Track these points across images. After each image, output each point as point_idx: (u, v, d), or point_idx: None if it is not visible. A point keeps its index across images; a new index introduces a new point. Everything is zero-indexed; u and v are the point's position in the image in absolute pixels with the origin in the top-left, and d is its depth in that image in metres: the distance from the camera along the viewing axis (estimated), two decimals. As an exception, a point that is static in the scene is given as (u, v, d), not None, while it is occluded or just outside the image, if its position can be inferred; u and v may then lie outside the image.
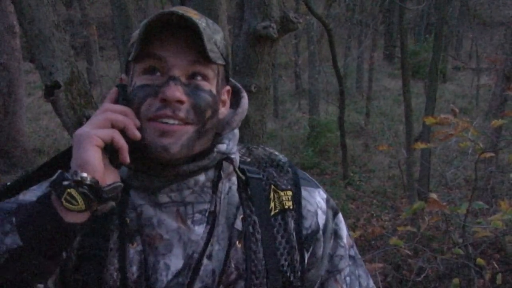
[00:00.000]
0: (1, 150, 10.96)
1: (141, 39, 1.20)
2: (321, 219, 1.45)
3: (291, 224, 1.39)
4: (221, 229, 1.33)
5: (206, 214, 1.33)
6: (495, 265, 5.15)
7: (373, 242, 7.83)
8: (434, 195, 3.65)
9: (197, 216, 1.32)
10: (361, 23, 17.35)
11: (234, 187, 1.38)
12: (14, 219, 1.16)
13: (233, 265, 1.31)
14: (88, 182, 1.13)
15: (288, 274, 1.37)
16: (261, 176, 1.42)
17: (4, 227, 1.16)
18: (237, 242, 1.32)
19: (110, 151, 1.20)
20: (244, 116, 1.41)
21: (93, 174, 1.14)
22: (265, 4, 3.17)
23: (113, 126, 1.20)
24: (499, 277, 4.06)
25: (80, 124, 2.98)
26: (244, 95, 1.42)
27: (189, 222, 1.31)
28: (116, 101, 1.29)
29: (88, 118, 2.97)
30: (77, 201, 1.13)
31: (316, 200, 1.47)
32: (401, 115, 11.56)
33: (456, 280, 4.14)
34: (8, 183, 1.33)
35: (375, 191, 10.19)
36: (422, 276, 4.84)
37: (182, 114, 1.23)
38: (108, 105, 1.25)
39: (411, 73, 12.86)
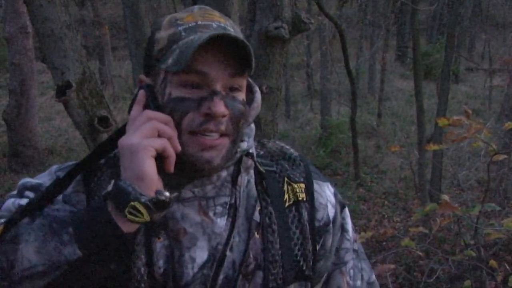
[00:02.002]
0: (13, 150, 11.03)
1: (188, 59, 1.19)
2: (331, 212, 1.48)
3: (305, 215, 1.43)
4: (241, 221, 1.36)
5: (227, 207, 1.35)
6: (507, 267, 5.12)
7: (384, 243, 7.82)
8: (446, 197, 3.64)
9: (219, 209, 1.34)
10: (373, 24, 17.32)
11: (252, 180, 1.41)
12: (71, 229, 1.18)
13: (252, 256, 1.33)
14: (155, 199, 1.16)
15: (301, 263, 1.39)
16: (274, 169, 1.45)
17: (62, 238, 1.18)
18: (256, 233, 1.35)
19: (158, 160, 1.21)
20: (259, 110, 1.43)
21: (151, 185, 1.17)
22: (276, 4, 3.17)
23: (159, 135, 1.21)
24: (511, 279, 4.03)
25: (91, 124, 2.99)
26: (257, 89, 1.43)
27: (211, 214, 1.33)
28: (146, 105, 1.28)
29: (99, 118, 2.98)
30: (142, 214, 1.15)
31: (326, 193, 1.50)
32: (413, 116, 11.52)
33: (468, 282, 4.12)
34: (46, 187, 1.35)
35: (386, 192, 10.17)
36: (433, 277, 4.81)
37: (223, 128, 1.26)
38: (152, 113, 1.24)
39: (423, 74, 12.82)
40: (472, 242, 4.36)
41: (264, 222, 1.36)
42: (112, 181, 1.20)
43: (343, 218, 1.53)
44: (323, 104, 13.47)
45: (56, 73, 2.98)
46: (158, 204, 1.17)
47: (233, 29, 1.32)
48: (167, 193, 1.18)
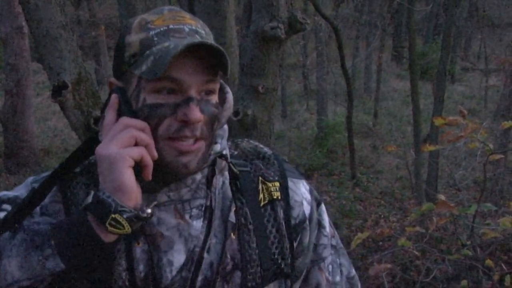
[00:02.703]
0: (9, 150, 11.01)
1: (164, 68, 1.19)
2: (307, 209, 1.50)
3: (280, 214, 1.44)
4: (217, 223, 1.37)
5: (203, 209, 1.36)
6: (504, 267, 5.12)
7: (380, 243, 7.82)
8: (442, 196, 3.64)
9: (195, 211, 1.36)
10: (369, 24, 17.32)
11: (227, 182, 1.42)
12: (53, 242, 1.20)
13: (229, 256, 1.34)
14: (133, 211, 1.18)
15: (279, 261, 1.41)
16: (249, 169, 1.46)
17: (44, 251, 1.20)
18: (232, 234, 1.36)
19: (135, 168, 1.21)
20: (231, 111, 1.43)
21: (131, 196, 1.19)
22: (272, 5, 3.17)
23: (136, 143, 1.22)
24: (507, 278, 4.03)
25: (87, 124, 2.98)
26: (228, 90, 1.43)
27: (187, 217, 1.34)
28: (120, 110, 1.28)
29: (95, 118, 2.97)
30: (122, 226, 1.18)
31: (301, 191, 1.51)
32: (409, 116, 11.53)
33: (464, 282, 4.12)
34: (22, 199, 1.35)
35: (383, 192, 10.17)
36: (430, 277, 4.81)
37: (198, 133, 1.27)
38: (129, 120, 1.24)
39: (420, 74, 12.83)
40: (468, 241, 4.36)
41: (240, 222, 1.37)
42: (92, 192, 1.21)
43: (320, 215, 1.55)
44: (319, 104, 13.47)
45: (51, 73, 2.97)
46: (139, 218, 1.19)
47: (204, 31, 1.32)
48: (148, 210, 1.21)
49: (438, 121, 3.69)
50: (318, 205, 1.55)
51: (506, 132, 8.25)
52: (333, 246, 1.57)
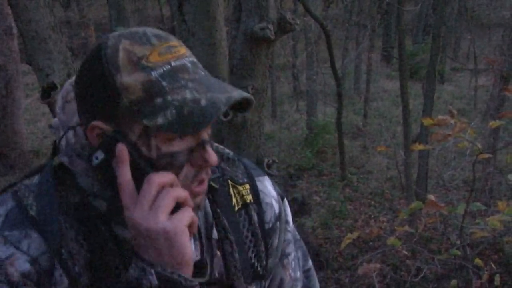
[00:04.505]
0: (-2, 152, 10.96)
1: (201, 128, 1.10)
2: (276, 208, 1.49)
3: (255, 217, 1.42)
4: (204, 242, 1.33)
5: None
6: (493, 266, 5.15)
7: (371, 243, 7.84)
8: (431, 196, 3.65)
9: None
10: (359, 24, 17.35)
11: (207, 201, 1.37)
12: None
13: (216, 274, 1.33)
14: (195, 281, 1.13)
15: (256, 265, 1.40)
16: (218, 174, 1.41)
17: None
18: (218, 251, 1.34)
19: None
20: None
21: (191, 266, 1.13)
22: (262, 5, 3.18)
23: (177, 203, 1.13)
24: (497, 278, 4.05)
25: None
26: None
27: None
28: (133, 164, 1.13)
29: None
30: None
31: (268, 189, 1.49)
32: (399, 116, 11.55)
33: (454, 282, 4.14)
34: None
35: (373, 192, 10.18)
36: (419, 277, 4.84)
37: (210, 172, 1.24)
38: (159, 178, 1.12)
39: (409, 74, 12.84)
40: (458, 241, 4.38)
41: (221, 236, 1.34)
42: (136, 265, 1.11)
43: (284, 210, 1.52)
44: (309, 105, 13.47)
45: (41, 74, 2.97)
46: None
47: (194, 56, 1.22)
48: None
49: (426, 121, 3.71)
50: (282, 200, 1.52)
51: (495, 131, 8.28)
52: (294, 240, 1.56)
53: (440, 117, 3.62)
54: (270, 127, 13.62)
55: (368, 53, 15.81)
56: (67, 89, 1.34)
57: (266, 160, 3.64)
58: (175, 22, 4.01)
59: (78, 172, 1.24)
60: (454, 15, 20.32)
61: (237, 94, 1.14)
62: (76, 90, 1.21)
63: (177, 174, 1.15)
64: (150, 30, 1.18)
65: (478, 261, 4.07)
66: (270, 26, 3.19)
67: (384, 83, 19.35)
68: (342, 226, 8.61)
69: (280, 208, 1.49)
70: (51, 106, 2.95)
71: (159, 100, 1.10)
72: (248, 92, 3.29)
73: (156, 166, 1.14)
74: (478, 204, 4.01)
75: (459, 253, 4.10)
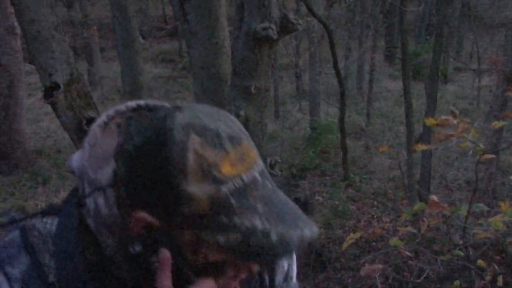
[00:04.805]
0: (1, 152, 10.97)
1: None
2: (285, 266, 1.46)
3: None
4: None
5: None
6: (496, 267, 5.13)
7: (373, 243, 7.84)
8: (434, 197, 3.64)
9: None
10: (362, 24, 17.34)
11: None
12: None
13: None
14: None
15: None
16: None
17: None
18: None
19: None
20: None
21: None
22: (264, 5, 3.17)
23: None
24: (500, 279, 4.04)
25: (79, 125, 2.97)
26: None
27: None
28: (175, 270, 1.04)
29: (88, 119, 2.96)
30: None
31: None
32: (402, 116, 11.54)
33: (456, 283, 4.13)
34: None
35: (375, 193, 10.19)
36: (422, 277, 4.83)
37: None
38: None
39: (412, 74, 12.84)
40: (460, 242, 4.37)
41: None
42: None
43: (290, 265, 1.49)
44: (312, 104, 13.47)
45: (43, 74, 2.96)
46: None
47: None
48: None
49: (429, 122, 3.70)
50: None
51: (498, 132, 8.27)
52: None
53: (442, 117, 3.61)
54: (273, 127, 13.62)
55: (371, 53, 15.81)
56: (94, 133, 1.13)
57: (269, 160, 3.63)
58: (177, 22, 4.00)
59: (107, 246, 1.09)
60: (457, 15, 20.32)
61: (309, 231, 1.04)
62: (125, 169, 1.03)
63: (216, 282, 1.06)
64: (223, 129, 1.03)
65: (480, 262, 4.06)
66: (273, 26, 3.18)
67: (387, 83, 19.35)
68: (344, 226, 8.61)
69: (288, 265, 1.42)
70: (54, 106, 2.95)
71: (224, 219, 0.99)
72: (251, 92, 3.29)
73: (200, 273, 1.05)
74: (481, 204, 4.00)
75: (461, 253, 4.08)
